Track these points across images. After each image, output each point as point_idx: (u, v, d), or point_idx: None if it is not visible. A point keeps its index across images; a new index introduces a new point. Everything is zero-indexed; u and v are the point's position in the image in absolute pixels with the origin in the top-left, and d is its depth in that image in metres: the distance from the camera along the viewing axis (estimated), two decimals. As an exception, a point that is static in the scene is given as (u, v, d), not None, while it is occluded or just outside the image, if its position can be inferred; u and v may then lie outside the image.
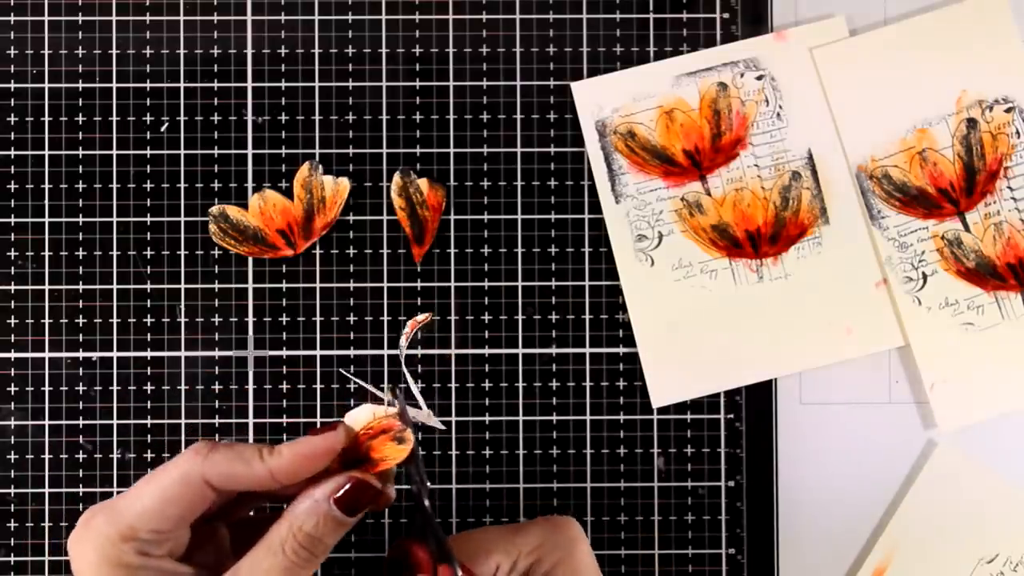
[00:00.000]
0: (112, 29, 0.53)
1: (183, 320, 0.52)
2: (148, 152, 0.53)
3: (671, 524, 0.52)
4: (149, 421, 0.52)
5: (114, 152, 0.53)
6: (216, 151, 0.53)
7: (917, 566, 0.52)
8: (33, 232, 0.52)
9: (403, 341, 0.51)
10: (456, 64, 0.53)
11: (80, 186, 0.52)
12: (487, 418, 0.52)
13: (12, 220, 0.52)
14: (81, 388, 0.52)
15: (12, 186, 0.52)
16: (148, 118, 0.53)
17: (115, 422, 0.52)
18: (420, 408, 0.40)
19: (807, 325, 0.52)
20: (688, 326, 0.52)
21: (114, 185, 0.52)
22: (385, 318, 0.52)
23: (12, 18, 0.53)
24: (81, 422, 0.52)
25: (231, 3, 0.53)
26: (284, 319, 0.52)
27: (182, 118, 0.53)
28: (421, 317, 0.52)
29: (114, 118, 0.53)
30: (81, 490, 0.52)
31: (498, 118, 0.53)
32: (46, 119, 0.53)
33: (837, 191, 0.52)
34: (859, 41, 0.52)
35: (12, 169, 0.52)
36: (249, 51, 0.53)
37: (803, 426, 0.53)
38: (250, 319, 0.52)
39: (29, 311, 0.52)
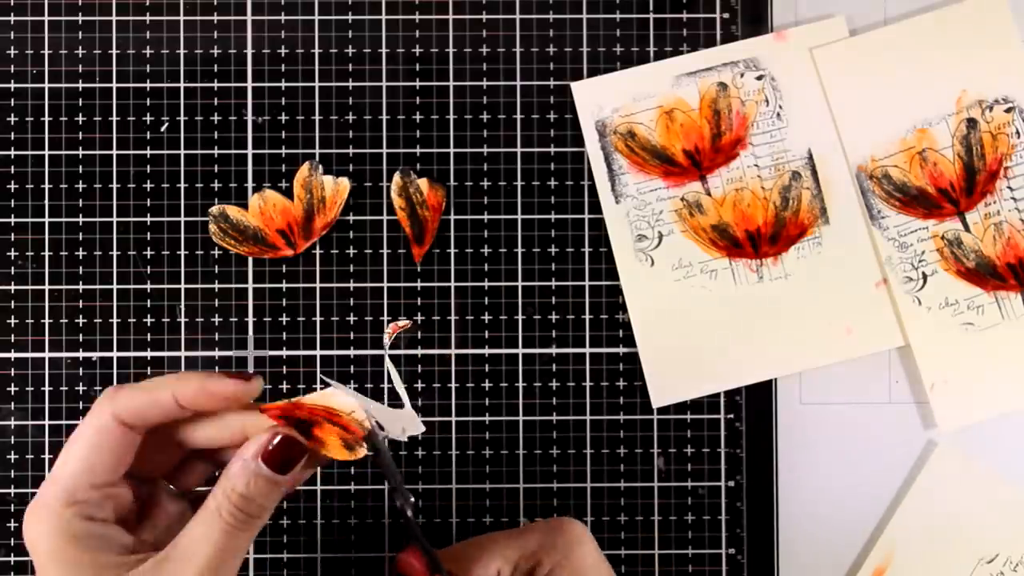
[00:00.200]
0: (112, 29, 0.53)
1: (183, 320, 0.52)
2: (148, 152, 0.53)
3: (671, 524, 0.52)
4: (149, 421, 0.52)
5: (114, 152, 0.53)
6: (216, 151, 0.53)
7: (917, 566, 0.52)
8: (33, 232, 0.52)
9: (386, 340, 0.51)
10: (456, 64, 0.53)
11: (80, 186, 0.52)
12: (487, 418, 0.52)
13: (12, 220, 0.52)
14: (81, 388, 0.52)
15: (12, 186, 0.52)
16: (148, 118, 0.53)
17: (115, 422, 0.52)
18: (404, 407, 0.40)
19: (807, 325, 0.52)
20: (688, 326, 0.52)
21: (114, 185, 0.52)
22: (385, 318, 0.52)
23: (12, 18, 0.53)
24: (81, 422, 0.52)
25: (231, 3, 0.53)
26: (284, 319, 0.52)
27: (182, 118, 0.53)
28: (403, 322, 0.52)
29: (114, 118, 0.53)
30: (81, 490, 0.52)
31: (498, 118, 0.53)
32: (46, 119, 0.53)
33: (837, 191, 0.52)
34: (859, 41, 0.52)
35: (12, 169, 0.52)
36: (249, 51, 0.53)
37: (803, 426, 0.53)
38: (250, 319, 0.52)
39: (29, 311, 0.52)
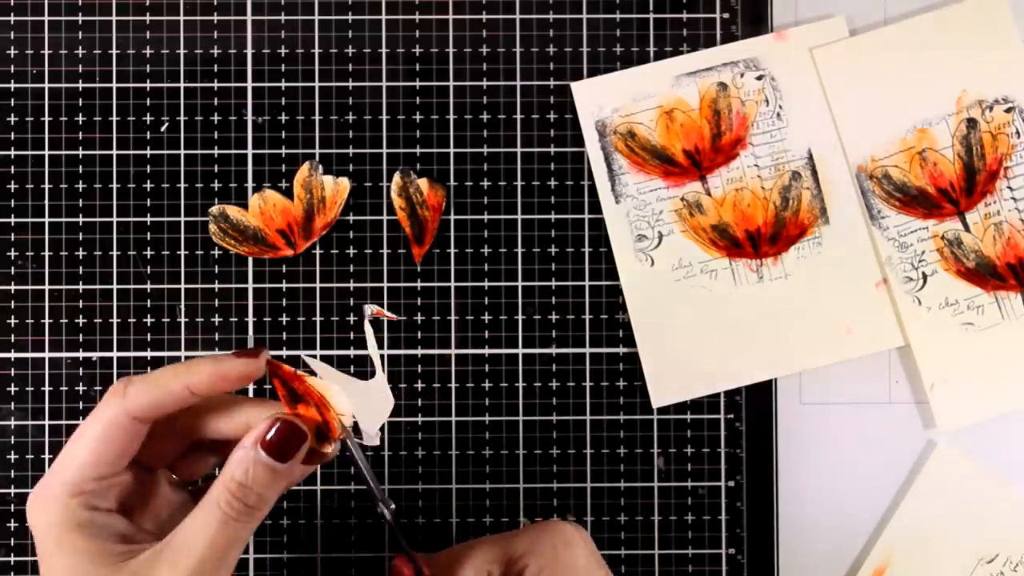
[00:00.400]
0: (112, 29, 0.53)
1: (183, 320, 0.52)
2: (148, 152, 0.53)
3: (671, 524, 0.52)
4: (149, 421, 0.52)
5: (114, 152, 0.53)
6: (216, 151, 0.53)
7: (917, 566, 0.52)
8: (33, 232, 0.52)
9: (367, 312, 0.51)
10: (456, 64, 0.53)
11: (80, 186, 0.52)
12: (487, 418, 0.52)
13: (12, 220, 0.52)
14: (81, 388, 0.52)
15: (12, 186, 0.52)
16: (148, 118, 0.53)
17: (115, 422, 0.52)
18: (376, 376, 0.40)
19: (807, 325, 0.52)
20: (688, 326, 0.52)
21: (114, 185, 0.52)
22: (385, 318, 0.52)
23: (12, 18, 0.53)
24: (81, 422, 0.52)
25: (231, 3, 0.53)
26: (284, 319, 0.52)
27: (182, 118, 0.53)
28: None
29: (114, 118, 0.53)
30: (81, 490, 0.52)
31: (498, 118, 0.53)
32: (46, 119, 0.53)
33: (837, 191, 0.52)
34: (859, 41, 0.52)
35: (12, 169, 0.52)
36: (249, 51, 0.53)
37: (803, 426, 0.53)
38: (250, 319, 0.52)
39: (29, 311, 0.52)
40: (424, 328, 0.52)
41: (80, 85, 0.53)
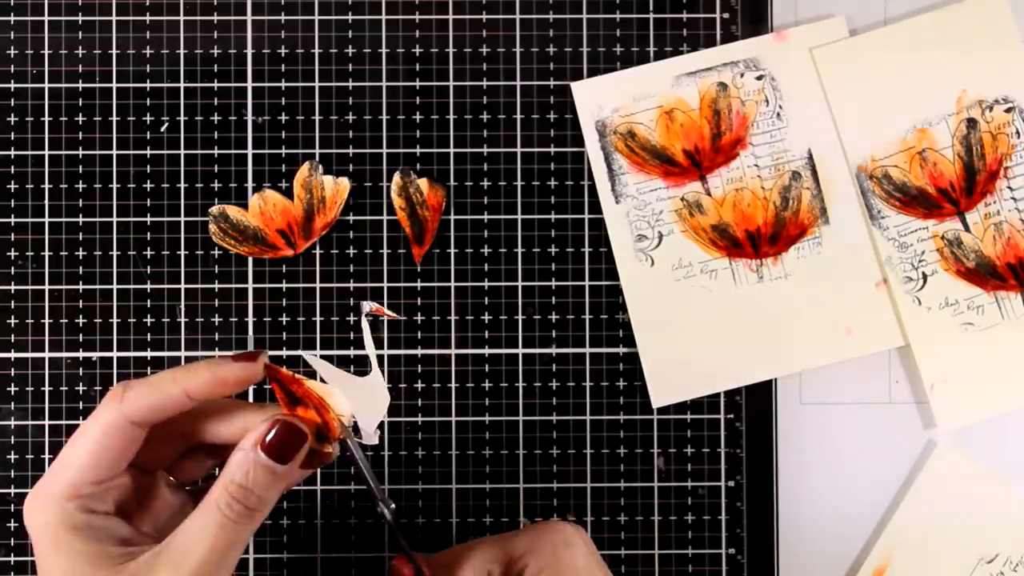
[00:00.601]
0: (112, 29, 0.53)
1: (183, 320, 0.52)
2: (148, 152, 0.53)
3: (671, 524, 0.52)
4: (149, 421, 0.52)
5: (114, 152, 0.53)
6: (216, 151, 0.53)
7: (917, 566, 0.52)
8: (33, 232, 0.52)
9: (366, 309, 0.51)
10: (456, 64, 0.53)
11: (80, 186, 0.52)
12: (487, 418, 0.52)
13: (12, 220, 0.52)
14: (81, 388, 0.52)
15: (12, 186, 0.52)
16: (148, 118, 0.53)
17: (115, 422, 0.52)
18: (372, 372, 0.40)
19: (807, 325, 0.52)
20: (688, 326, 0.52)
21: (114, 185, 0.52)
22: (385, 319, 0.52)
23: (12, 18, 0.53)
24: (81, 422, 0.52)
25: (231, 3, 0.53)
26: (284, 319, 0.52)
27: (182, 118, 0.53)
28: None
29: (114, 118, 0.53)
30: (81, 490, 0.52)
31: (498, 118, 0.53)
32: (46, 119, 0.53)
33: (837, 191, 0.52)
34: (859, 41, 0.52)
35: (12, 169, 0.52)
36: (249, 51, 0.53)
37: (803, 426, 0.53)
38: (250, 319, 0.52)
39: (29, 311, 0.52)
40: (424, 328, 0.52)
41: (80, 85, 0.53)
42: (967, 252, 0.52)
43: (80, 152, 0.52)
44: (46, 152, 0.52)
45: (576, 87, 0.53)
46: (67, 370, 0.52)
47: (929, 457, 0.52)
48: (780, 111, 0.52)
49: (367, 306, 0.51)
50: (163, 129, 0.53)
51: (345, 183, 0.52)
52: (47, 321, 0.52)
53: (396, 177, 0.52)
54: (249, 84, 0.53)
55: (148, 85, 0.53)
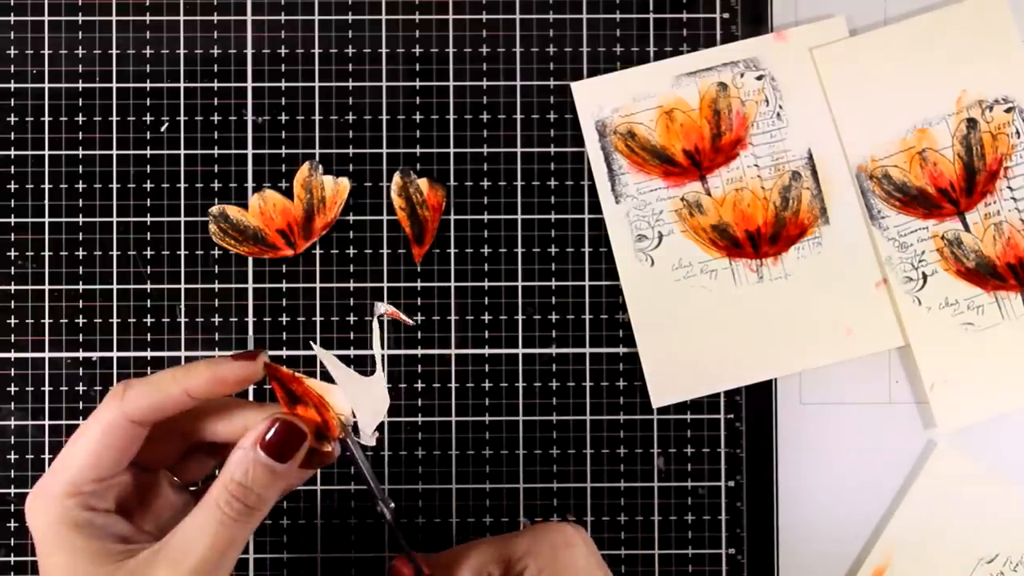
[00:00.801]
0: (112, 29, 0.53)
1: (183, 320, 0.52)
2: (148, 152, 0.53)
3: (671, 524, 0.52)
4: (149, 421, 0.52)
5: (114, 152, 0.53)
6: (216, 151, 0.53)
7: (917, 566, 0.52)
8: (33, 232, 0.52)
9: (381, 310, 0.51)
10: (456, 64, 0.53)
11: (80, 186, 0.52)
12: (487, 418, 0.52)
13: (12, 220, 0.52)
14: (81, 388, 0.52)
15: (12, 186, 0.52)
16: (148, 118, 0.53)
17: (115, 422, 0.52)
18: (375, 374, 0.40)
19: (807, 325, 0.52)
20: (688, 326, 0.52)
21: (114, 185, 0.52)
22: (385, 318, 0.52)
23: (12, 18, 0.53)
24: (81, 422, 0.52)
25: (231, 3, 0.53)
26: (284, 319, 0.52)
27: (182, 118, 0.53)
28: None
29: (114, 118, 0.53)
30: (81, 490, 0.52)
31: (498, 118, 0.53)
32: (46, 119, 0.53)
33: (837, 191, 0.52)
34: (859, 41, 0.52)
35: (12, 169, 0.52)
36: (249, 51, 0.53)
37: (803, 426, 0.53)
38: (250, 319, 0.52)
39: (29, 311, 0.52)
40: (424, 328, 0.52)
41: (80, 85, 0.53)
42: (967, 252, 0.52)
43: (80, 152, 0.52)
44: (46, 152, 0.52)
45: (576, 87, 0.53)
46: (67, 370, 0.52)
47: (929, 457, 0.52)
48: (780, 111, 0.52)
49: (381, 307, 0.51)
50: (163, 129, 0.53)
51: (345, 183, 0.52)
52: (47, 321, 0.52)
53: (396, 177, 0.52)
54: (249, 84, 0.53)
55: (148, 85, 0.53)
